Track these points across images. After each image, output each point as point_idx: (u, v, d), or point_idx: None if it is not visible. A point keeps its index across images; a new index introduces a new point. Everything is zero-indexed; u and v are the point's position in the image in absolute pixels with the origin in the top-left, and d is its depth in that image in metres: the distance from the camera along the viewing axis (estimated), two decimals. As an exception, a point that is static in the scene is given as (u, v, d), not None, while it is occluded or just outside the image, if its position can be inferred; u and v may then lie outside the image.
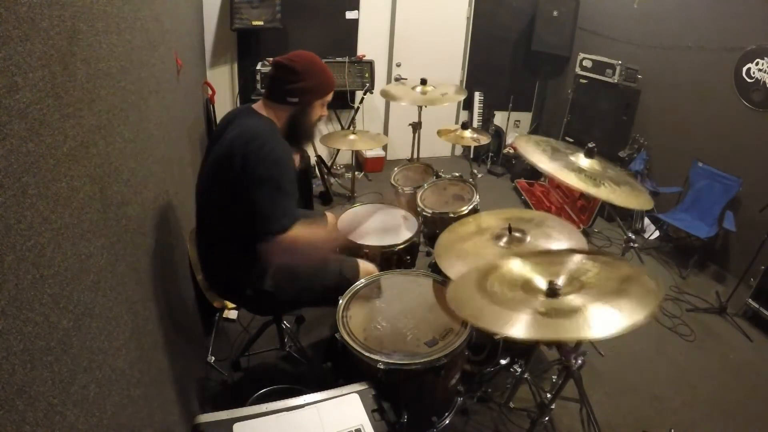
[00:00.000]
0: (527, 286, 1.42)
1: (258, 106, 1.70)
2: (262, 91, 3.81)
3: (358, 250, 2.16)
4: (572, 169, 1.67)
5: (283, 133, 1.68)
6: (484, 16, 5.01)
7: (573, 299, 1.28)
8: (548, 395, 1.67)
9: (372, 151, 4.82)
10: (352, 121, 4.53)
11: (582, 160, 1.76)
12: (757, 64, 3.19)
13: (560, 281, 1.39)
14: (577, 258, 1.48)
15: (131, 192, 1.31)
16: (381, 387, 1.38)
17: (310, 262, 1.78)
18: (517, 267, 1.51)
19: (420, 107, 3.32)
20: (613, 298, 1.23)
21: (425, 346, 1.47)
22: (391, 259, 2.21)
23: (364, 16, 4.57)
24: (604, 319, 1.16)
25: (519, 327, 1.21)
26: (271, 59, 3.97)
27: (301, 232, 1.52)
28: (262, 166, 1.50)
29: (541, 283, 1.40)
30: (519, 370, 1.89)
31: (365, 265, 1.93)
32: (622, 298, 1.21)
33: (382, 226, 2.36)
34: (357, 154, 4.86)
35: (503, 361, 1.93)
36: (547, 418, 1.70)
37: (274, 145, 1.56)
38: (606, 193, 1.61)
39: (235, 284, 1.76)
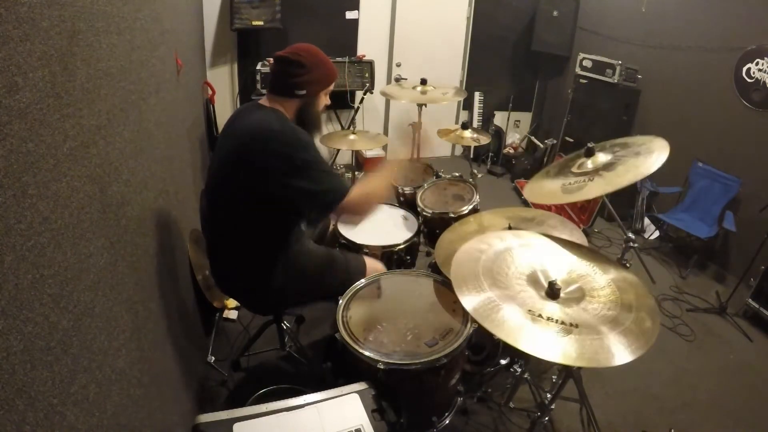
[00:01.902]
0: (532, 277, 1.42)
1: (264, 102, 1.71)
2: (263, 91, 3.85)
3: (359, 250, 2.16)
4: (587, 179, 1.65)
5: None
6: (484, 16, 5.01)
7: (566, 310, 1.27)
8: (548, 395, 1.67)
9: (372, 151, 4.81)
10: (352, 121, 4.53)
11: (590, 162, 1.74)
12: (757, 64, 3.19)
13: (561, 284, 1.39)
14: (604, 274, 1.45)
15: (131, 192, 1.31)
16: (381, 387, 1.37)
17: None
18: (534, 253, 1.51)
19: (420, 107, 3.32)
20: (603, 326, 1.21)
21: (425, 346, 1.47)
22: (391, 259, 2.21)
23: (364, 16, 4.57)
24: (577, 348, 1.14)
25: (500, 325, 1.21)
26: (271, 59, 3.97)
27: (359, 190, 1.62)
28: (299, 152, 1.53)
29: (546, 279, 1.40)
30: (519, 370, 1.89)
31: (372, 263, 1.93)
32: (611, 331, 1.19)
33: (382, 225, 2.36)
34: (357, 154, 4.86)
35: (503, 361, 1.92)
36: (547, 418, 1.70)
37: (294, 130, 1.59)
38: (626, 176, 1.55)
39: (244, 282, 1.76)
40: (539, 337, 1.17)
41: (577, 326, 1.21)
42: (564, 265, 1.50)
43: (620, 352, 1.13)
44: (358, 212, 1.68)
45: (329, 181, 1.59)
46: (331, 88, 1.78)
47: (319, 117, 1.81)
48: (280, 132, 1.56)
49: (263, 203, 1.60)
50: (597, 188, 1.57)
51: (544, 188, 1.79)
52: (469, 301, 1.26)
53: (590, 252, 1.58)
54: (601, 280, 1.42)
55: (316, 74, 1.68)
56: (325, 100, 1.79)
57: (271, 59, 3.93)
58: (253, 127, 1.59)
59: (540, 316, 1.23)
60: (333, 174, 1.63)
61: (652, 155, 1.58)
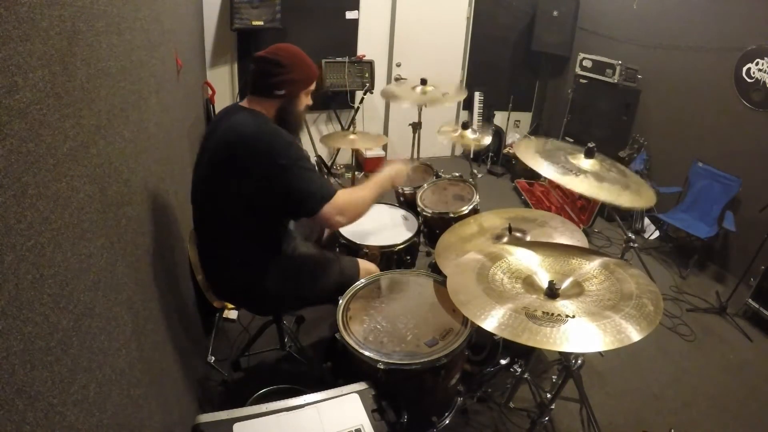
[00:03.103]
0: (528, 281, 1.42)
1: (245, 104, 1.70)
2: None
3: (358, 251, 2.16)
4: (573, 172, 1.66)
5: None
6: (484, 16, 5.01)
7: (566, 305, 1.27)
8: (548, 395, 1.67)
9: (372, 151, 4.82)
10: (352, 121, 4.53)
11: (583, 162, 1.74)
12: (757, 64, 3.19)
13: (563, 283, 1.39)
14: (590, 262, 1.47)
15: (131, 192, 1.30)
16: (381, 387, 1.38)
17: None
18: (526, 259, 1.52)
19: (420, 107, 3.32)
20: (604, 314, 1.21)
21: (425, 346, 1.47)
22: (391, 259, 2.21)
23: (364, 16, 4.57)
24: (582, 337, 1.15)
25: (497, 324, 1.21)
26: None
27: (352, 193, 1.66)
28: (278, 154, 1.52)
29: (543, 280, 1.40)
30: (519, 370, 1.89)
31: (365, 265, 1.93)
32: (612, 316, 1.20)
33: (382, 225, 2.36)
34: (357, 154, 4.86)
35: (503, 361, 1.92)
36: (547, 418, 1.70)
37: (276, 131, 1.58)
38: (608, 194, 1.59)
39: (236, 284, 1.76)
40: (568, 334, 1.16)
41: (574, 318, 1.22)
42: (549, 264, 1.50)
43: (617, 337, 1.13)
44: (345, 216, 1.65)
45: (313, 180, 1.57)
46: (312, 87, 1.76)
47: (300, 117, 1.79)
48: (259, 134, 1.55)
49: (248, 206, 1.59)
50: (581, 185, 1.59)
51: (534, 154, 1.78)
52: (489, 322, 1.23)
53: (565, 247, 1.61)
54: (598, 272, 1.43)
55: (296, 74, 1.66)
56: (306, 100, 1.76)
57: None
58: (233, 130, 1.58)
59: (558, 315, 1.23)
60: (318, 174, 1.62)
61: (634, 198, 1.59)
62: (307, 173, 1.57)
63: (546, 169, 1.62)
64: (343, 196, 1.62)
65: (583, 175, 1.63)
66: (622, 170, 1.77)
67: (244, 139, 1.55)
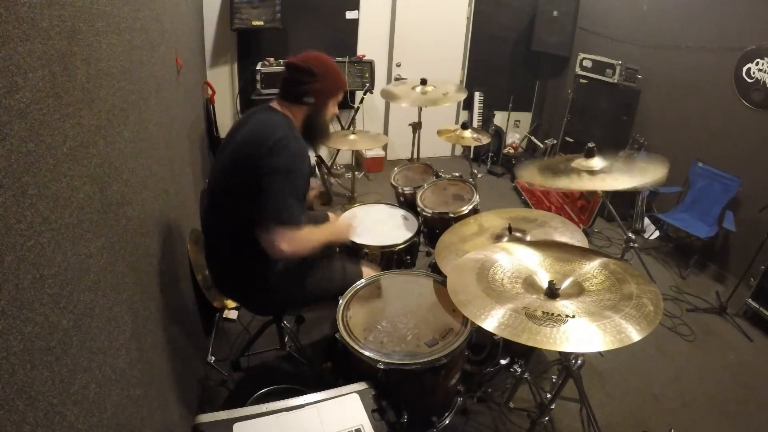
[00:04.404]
0: (528, 281, 1.42)
1: (275, 106, 1.73)
2: (263, 91, 3.85)
3: (359, 250, 2.16)
4: (580, 175, 1.66)
5: (300, 133, 1.72)
6: (484, 16, 5.01)
7: (566, 305, 1.27)
8: (548, 395, 1.67)
9: (372, 151, 4.82)
10: (352, 121, 4.53)
11: (585, 163, 1.74)
12: (757, 64, 3.19)
13: (562, 283, 1.39)
14: (590, 262, 1.47)
15: (131, 192, 1.31)
16: (381, 387, 1.38)
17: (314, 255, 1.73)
18: (526, 259, 1.51)
19: (420, 107, 3.32)
20: (604, 314, 1.21)
21: (425, 346, 1.47)
22: (391, 259, 2.21)
23: (364, 16, 4.57)
24: (582, 337, 1.15)
25: (497, 324, 1.21)
26: (271, 59, 3.98)
27: (308, 232, 1.60)
28: (280, 156, 1.53)
29: (543, 280, 1.40)
30: (519, 370, 1.89)
31: (369, 271, 1.93)
32: (612, 316, 1.19)
33: (382, 225, 2.36)
34: (357, 154, 4.86)
35: (503, 361, 1.92)
36: (547, 418, 1.70)
37: (293, 139, 1.60)
38: (616, 182, 1.58)
39: (242, 283, 1.76)
40: (568, 334, 1.16)
41: (574, 318, 1.21)
42: (549, 264, 1.50)
43: (618, 338, 1.13)
44: (291, 249, 1.54)
45: (288, 201, 1.53)
46: (340, 97, 1.79)
47: (326, 125, 1.81)
48: (276, 132, 1.57)
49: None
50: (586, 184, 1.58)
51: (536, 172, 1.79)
52: (489, 322, 1.23)
53: (565, 247, 1.61)
54: (598, 272, 1.42)
55: (325, 83, 1.70)
56: (333, 109, 1.80)
57: (272, 59, 3.96)
58: (256, 128, 1.61)
59: (558, 315, 1.23)
60: (296, 201, 1.58)
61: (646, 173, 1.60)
62: (289, 190, 1.54)
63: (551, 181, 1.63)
64: (303, 233, 1.57)
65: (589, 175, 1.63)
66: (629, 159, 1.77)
67: (261, 137, 1.56)
